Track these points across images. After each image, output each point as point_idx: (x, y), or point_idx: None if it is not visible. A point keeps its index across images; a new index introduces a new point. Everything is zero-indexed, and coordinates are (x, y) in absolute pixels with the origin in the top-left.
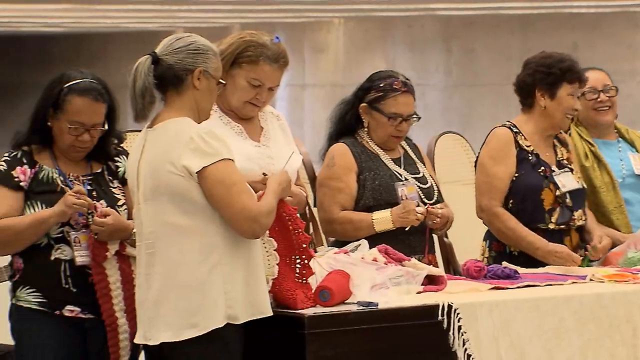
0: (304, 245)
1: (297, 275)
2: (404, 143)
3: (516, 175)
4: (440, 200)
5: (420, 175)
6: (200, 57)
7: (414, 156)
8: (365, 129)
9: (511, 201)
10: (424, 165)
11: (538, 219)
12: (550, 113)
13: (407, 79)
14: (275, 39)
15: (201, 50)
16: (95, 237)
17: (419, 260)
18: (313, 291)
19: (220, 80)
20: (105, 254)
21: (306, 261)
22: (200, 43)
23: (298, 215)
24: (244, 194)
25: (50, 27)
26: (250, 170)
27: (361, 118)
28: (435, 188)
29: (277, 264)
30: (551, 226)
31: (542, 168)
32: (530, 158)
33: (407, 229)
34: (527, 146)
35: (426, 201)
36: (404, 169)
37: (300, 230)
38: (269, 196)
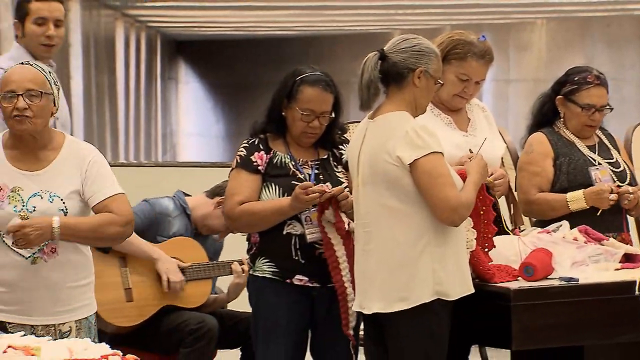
0: (490, 236)
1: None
2: (599, 132)
3: None
4: (633, 183)
5: (614, 160)
6: (423, 58)
7: (608, 144)
8: (562, 120)
9: None
10: (619, 152)
11: None
12: None
13: (600, 73)
14: (482, 38)
15: (424, 52)
16: (343, 207)
17: (614, 238)
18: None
19: (439, 81)
20: (345, 227)
21: (487, 246)
22: (424, 45)
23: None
24: (447, 186)
25: (283, 31)
26: (458, 157)
27: (558, 110)
28: (628, 172)
29: (475, 239)
30: None
31: None
32: None
33: (599, 213)
34: None
35: (618, 183)
36: (598, 154)
37: (489, 221)
38: (470, 187)
